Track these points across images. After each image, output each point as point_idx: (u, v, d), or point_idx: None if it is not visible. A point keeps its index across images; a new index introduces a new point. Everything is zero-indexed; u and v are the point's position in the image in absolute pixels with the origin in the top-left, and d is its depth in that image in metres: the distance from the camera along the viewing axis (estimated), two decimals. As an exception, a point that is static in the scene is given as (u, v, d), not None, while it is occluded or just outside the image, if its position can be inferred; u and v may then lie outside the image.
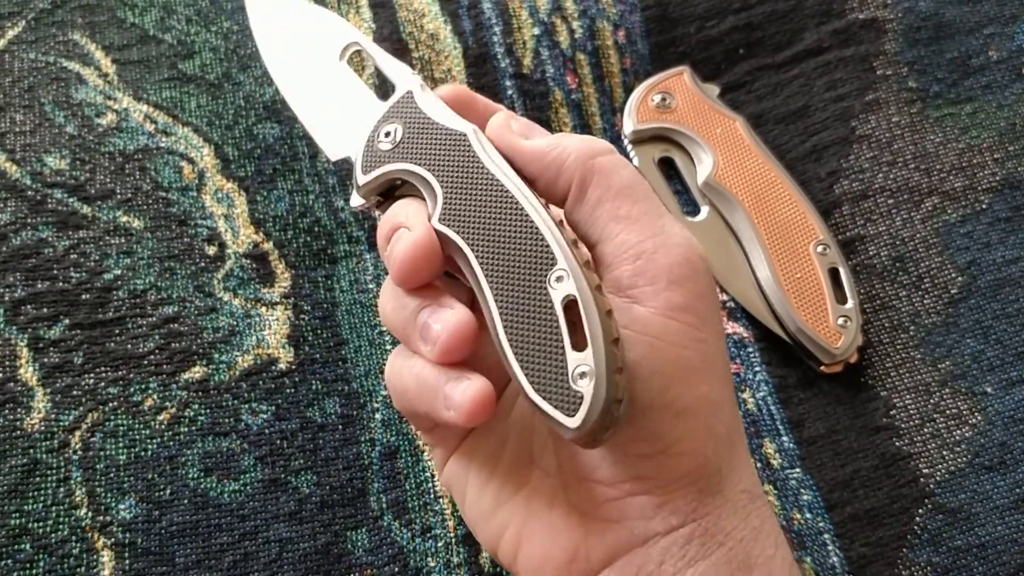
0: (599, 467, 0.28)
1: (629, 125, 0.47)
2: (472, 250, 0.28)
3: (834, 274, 0.43)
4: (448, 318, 0.27)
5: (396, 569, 0.37)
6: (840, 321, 0.42)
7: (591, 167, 0.28)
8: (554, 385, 0.25)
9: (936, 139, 0.48)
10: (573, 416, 0.25)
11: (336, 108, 0.35)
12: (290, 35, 0.37)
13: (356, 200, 0.32)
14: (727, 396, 0.28)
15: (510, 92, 0.48)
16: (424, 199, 0.30)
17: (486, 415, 0.27)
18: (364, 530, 0.38)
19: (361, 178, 0.32)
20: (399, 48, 0.48)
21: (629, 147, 0.47)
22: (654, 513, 0.27)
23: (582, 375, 0.25)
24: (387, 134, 0.31)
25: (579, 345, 0.25)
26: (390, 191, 0.32)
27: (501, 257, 0.27)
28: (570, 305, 0.26)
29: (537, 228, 0.27)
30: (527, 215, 0.27)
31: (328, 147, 0.35)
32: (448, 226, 0.29)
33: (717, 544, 0.27)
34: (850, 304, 0.43)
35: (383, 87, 0.44)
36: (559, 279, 0.26)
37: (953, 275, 0.45)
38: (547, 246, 0.27)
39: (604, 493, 0.27)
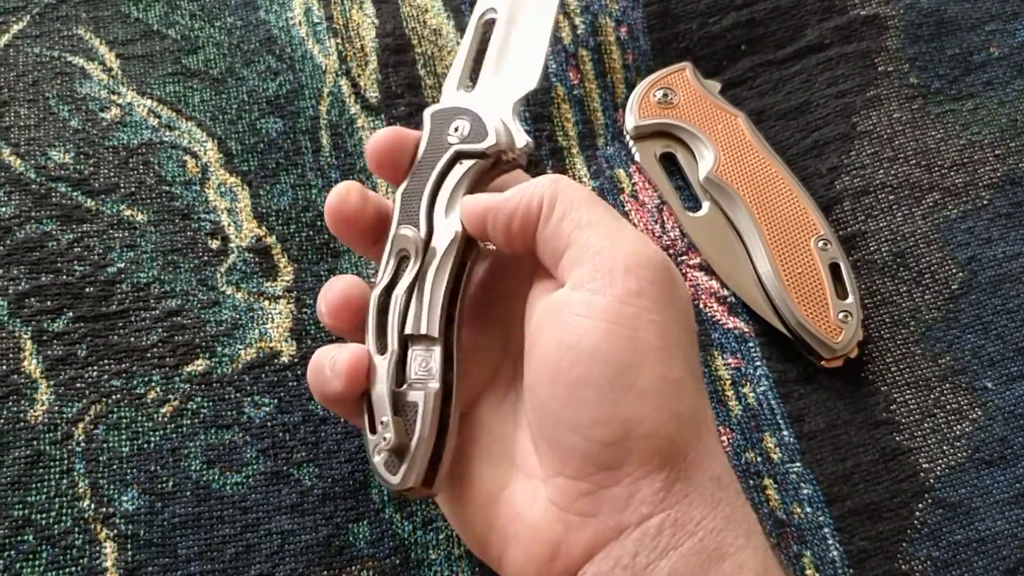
0: (570, 462, 0.28)
1: (631, 121, 0.47)
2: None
3: (835, 269, 0.43)
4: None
5: (397, 561, 0.37)
6: (841, 316, 0.42)
7: (556, 188, 0.31)
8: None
9: (937, 135, 0.48)
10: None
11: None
12: None
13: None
14: (690, 379, 0.29)
15: (512, 88, 0.48)
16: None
17: (358, 379, 0.31)
18: (366, 522, 0.38)
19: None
20: (402, 44, 0.48)
21: (631, 143, 0.48)
22: (625, 504, 0.27)
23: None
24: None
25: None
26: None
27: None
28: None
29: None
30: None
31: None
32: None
33: (688, 534, 0.27)
34: (851, 299, 0.43)
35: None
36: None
37: (953, 271, 0.45)
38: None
39: (578, 488, 0.28)
